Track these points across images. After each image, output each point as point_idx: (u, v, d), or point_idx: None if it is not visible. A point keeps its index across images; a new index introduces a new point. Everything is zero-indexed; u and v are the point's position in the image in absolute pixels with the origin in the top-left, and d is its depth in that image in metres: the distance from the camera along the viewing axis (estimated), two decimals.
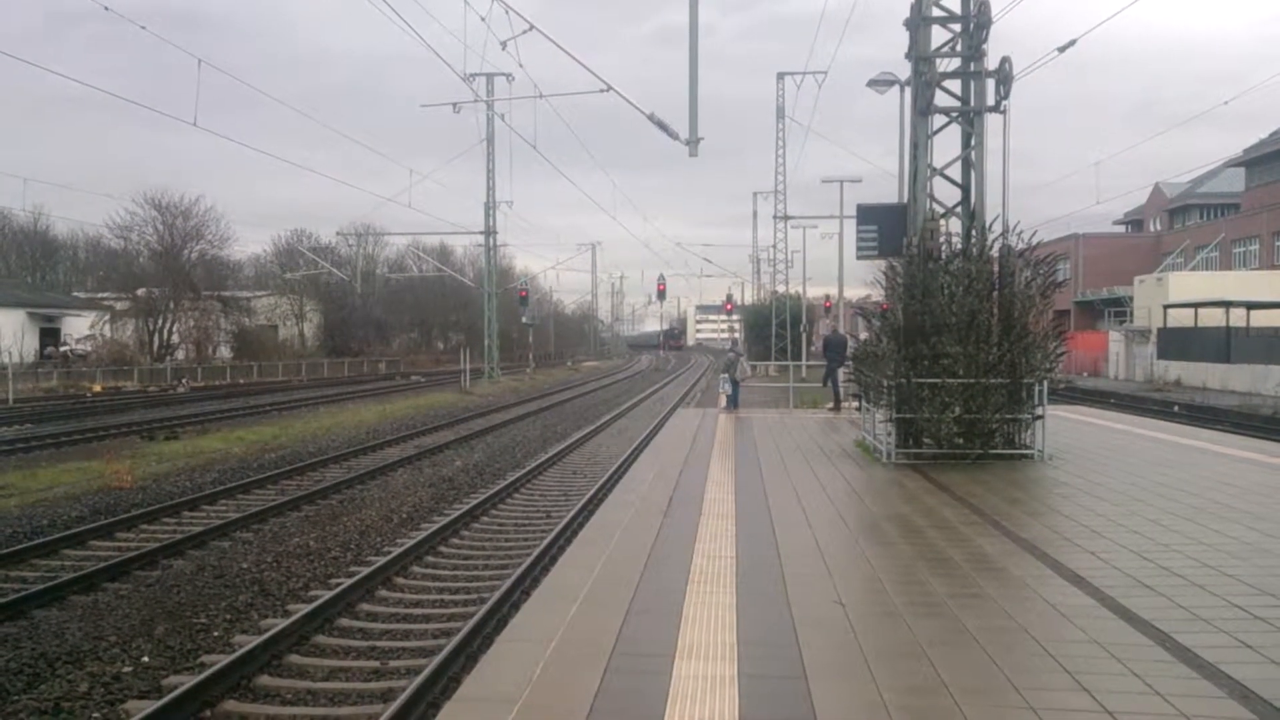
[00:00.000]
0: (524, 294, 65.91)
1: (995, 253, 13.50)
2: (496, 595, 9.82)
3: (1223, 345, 41.37)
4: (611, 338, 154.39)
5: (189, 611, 9.84)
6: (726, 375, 24.03)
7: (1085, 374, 52.27)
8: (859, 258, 16.56)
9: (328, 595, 9.93)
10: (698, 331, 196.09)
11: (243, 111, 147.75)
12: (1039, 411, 13.31)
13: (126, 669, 8.22)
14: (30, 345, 58.31)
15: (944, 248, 13.78)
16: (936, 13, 14.15)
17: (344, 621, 9.60)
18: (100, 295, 66.80)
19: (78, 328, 62.04)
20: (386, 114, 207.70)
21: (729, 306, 79.30)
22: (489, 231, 54.88)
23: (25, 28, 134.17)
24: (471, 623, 8.87)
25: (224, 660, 7.91)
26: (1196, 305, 43.90)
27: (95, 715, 7.29)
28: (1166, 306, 46.81)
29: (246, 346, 65.08)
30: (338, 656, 8.67)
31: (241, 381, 54.70)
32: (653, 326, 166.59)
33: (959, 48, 14.16)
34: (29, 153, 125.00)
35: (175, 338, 60.97)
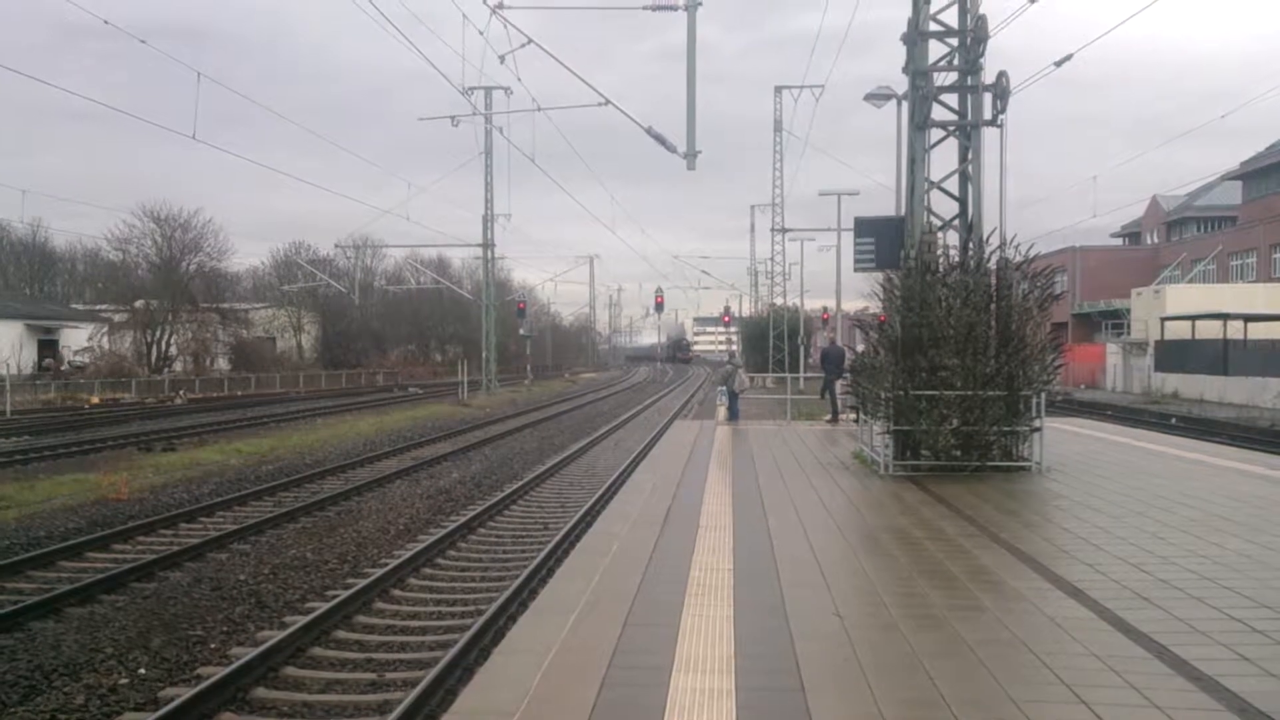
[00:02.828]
0: (522, 306, 65.93)
1: (993, 265, 13.54)
2: (493, 608, 9.81)
3: (1220, 358, 41.42)
4: (609, 350, 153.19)
5: (185, 623, 9.82)
6: (724, 388, 24.06)
7: (1083, 386, 52.30)
8: (856, 270, 16.59)
9: (324, 607, 9.90)
10: (695, 343, 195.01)
11: (244, 126, 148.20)
12: (1036, 424, 13.31)
13: (123, 681, 8.20)
14: (28, 357, 58.31)
15: (941, 260, 13.81)
16: (934, 28, 14.21)
17: (341, 634, 9.58)
18: (98, 307, 66.77)
19: (76, 340, 62.04)
20: (387, 129, 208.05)
21: (727, 319, 79.33)
22: (487, 244, 54.94)
23: (30, 42, 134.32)
24: (468, 635, 8.85)
25: (221, 672, 7.89)
26: (1194, 318, 43.96)
27: None
28: (1164, 319, 46.88)
29: (244, 358, 65.02)
30: (334, 669, 8.66)
31: (239, 393, 54.63)
32: (651, 338, 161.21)
33: (956, 62, 14.21)
34: (29, 165, 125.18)
35: (173, 350, 60.93)
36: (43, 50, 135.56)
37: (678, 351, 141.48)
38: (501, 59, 21.36)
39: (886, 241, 15.14)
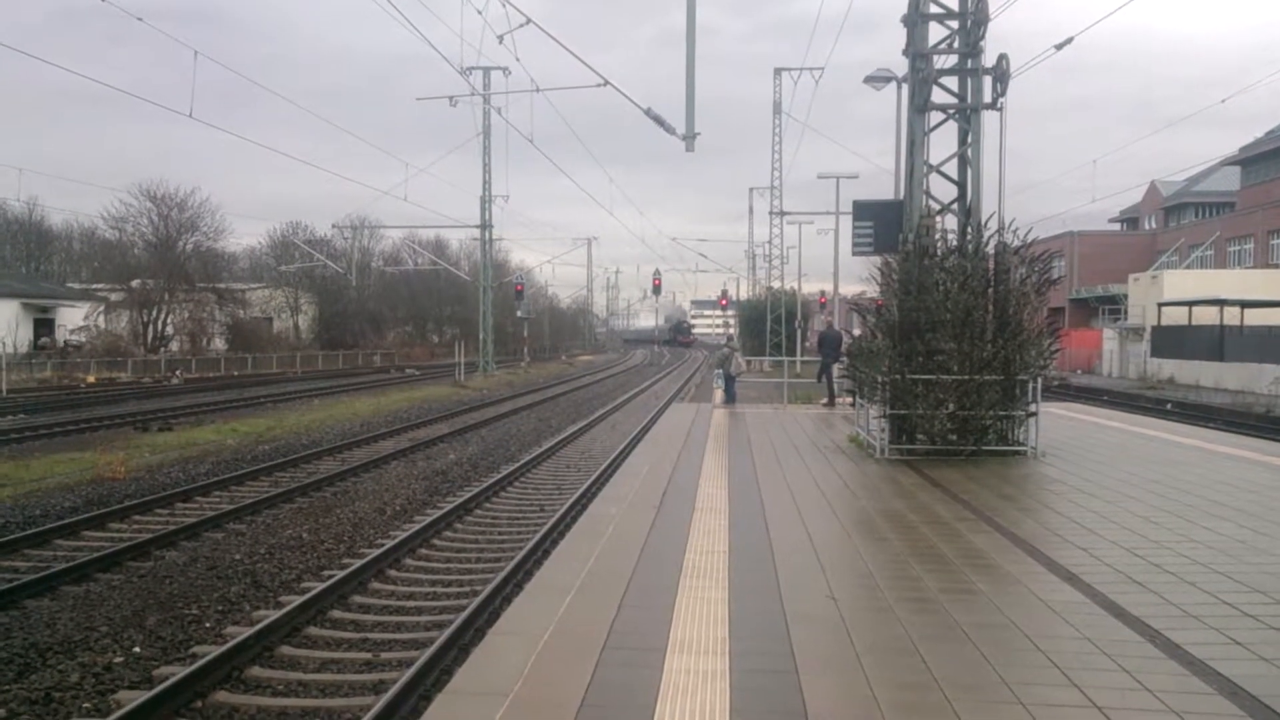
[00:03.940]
0: (520, 288, 65.91)
1: (990, 250, 13.52)
2: (489, 588, 9.83)
3: (1216, 343, 41.45)
4: (607, 332, 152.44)
5: (181, 602, 9.84)
6: (721, 370, 24.09)
7: (1079, 371, 52.36)
8: (854, 254, 16.58)
9: (320, 587, 9.92)
10: (692, 326, 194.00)
11: (244, 108, 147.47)
12: (1032, 408, 13.33)
13: (118, 659, 8.21)
14: (24, 336, 58.18)
15: (939, 244, 13.79)
16: (934, 9, 14.15)
17: (336, 613, 9.60)
18: (95, 286, 66.64)
19: (72, 319, 61.89)
20: (388, 111, 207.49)
21: (724, 301, 79.25)
22: (485, 225, 54.86)
23: (32, 22, 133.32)
24: (464, 615, 8.87)
25: (215, 651, 7.90)
26: (1191, 303, 43.96)
27: (86, 705, 7.29)
28: (1161, 304, 46.87)
29: (241, 339, 64.97)
30: (330, 648, 8.67)
31: (235, 374, 54.63)
32: (649, 321, 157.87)
33: (956, 45, 14.16)
34: (28, 145, 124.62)
35: (169, 329, 60.89)
36: (43, 30, 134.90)
37: (678, 334, 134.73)
38: (500, 39, 21.30)
39: (885, 225, 15.12)
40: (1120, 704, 4.56)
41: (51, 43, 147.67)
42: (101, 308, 59.39)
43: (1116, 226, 78.88)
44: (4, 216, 77.53)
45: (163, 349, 58.53)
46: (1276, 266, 51.03)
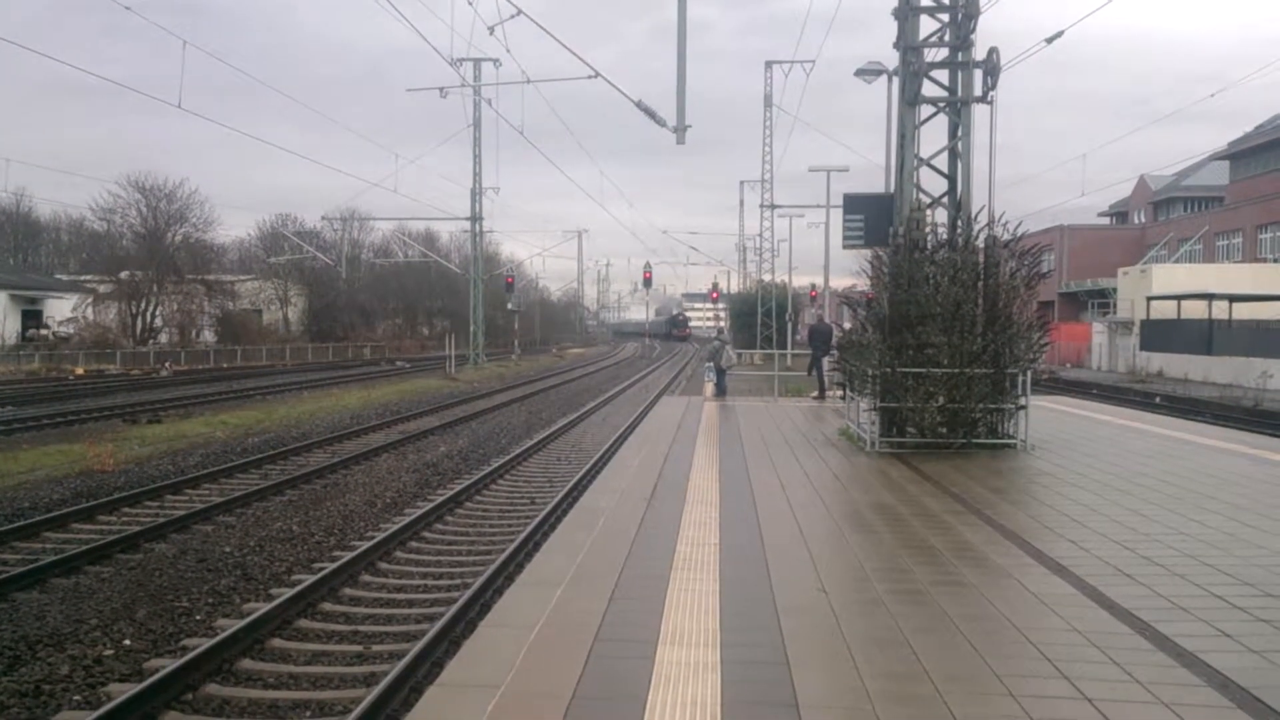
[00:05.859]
0: (510, 280, 65.78)
1: (981, 243, 13.53)
2: (480, 580, 9.82)
3: (1205, 337, 41.59)
4: (597, 325, 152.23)
5: (171, 595, 9.82)
6: (712, 364, 24.12)
7: (1068, 365, 52.49)
8: (845, 247, 16.55)
9: (311, 579, 9.91)
10: (688, 320, 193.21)
11: (236, 99, 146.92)
12: (1022, 401, 13.37)
13: (108, 652, 8.19)
14: (12, 327, 57.95)
15: (929, 238, 13.80)
16: (925, 2, 14.14)
17: (327, 606, 9.59)
18: (83, 278, 66.37)
19: (60, 310, 61.64)
20: (377, 103, 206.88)
21: (715, 295, 79.23)
22: (475, 218, 54.74)
23: (28, 15, 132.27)
24: (455, 608, 8.87)
25: (206, 644, 7.89)
26: (1179, 297, 44.10)
27: (76, 698, 7.27)
28: (1150, 298, 47.02)
29: (230, 330, 64.76)
30: (320, 640, 8.67)
31: (225, 365, 54.46)
32: (640, 314, 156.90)
33: (947, 38, 14.16)
34: (16, 136, 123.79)
35: (158, 321, 60.67)
36: (36, 22, 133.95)
37: (674, 328, 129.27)
38: (490, 30, 21.24)
39: (875, 218, 15.11)
40: (1110, 695, 4.58)
41: (42, 35, 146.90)
42: (90, 299, 59.12)
43: (1106, 221, 79.04)
44: None
45: (152, 341, 58.32)
46: (1264, 261, 51.20)
